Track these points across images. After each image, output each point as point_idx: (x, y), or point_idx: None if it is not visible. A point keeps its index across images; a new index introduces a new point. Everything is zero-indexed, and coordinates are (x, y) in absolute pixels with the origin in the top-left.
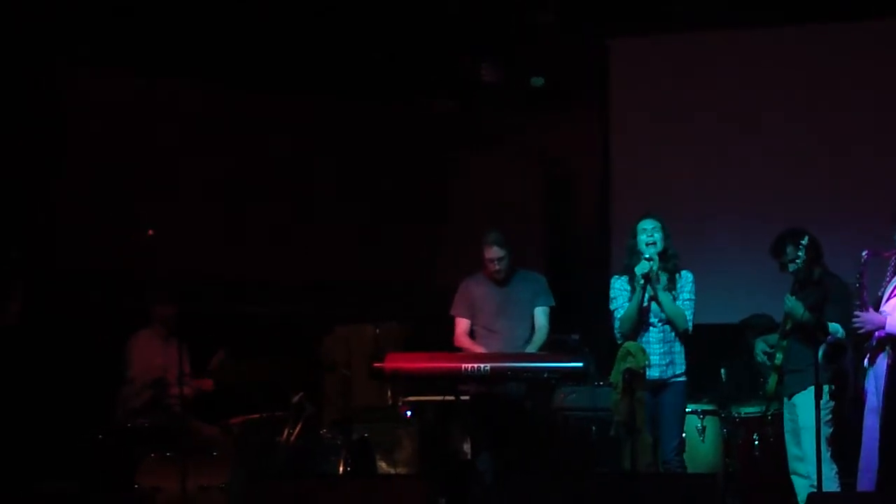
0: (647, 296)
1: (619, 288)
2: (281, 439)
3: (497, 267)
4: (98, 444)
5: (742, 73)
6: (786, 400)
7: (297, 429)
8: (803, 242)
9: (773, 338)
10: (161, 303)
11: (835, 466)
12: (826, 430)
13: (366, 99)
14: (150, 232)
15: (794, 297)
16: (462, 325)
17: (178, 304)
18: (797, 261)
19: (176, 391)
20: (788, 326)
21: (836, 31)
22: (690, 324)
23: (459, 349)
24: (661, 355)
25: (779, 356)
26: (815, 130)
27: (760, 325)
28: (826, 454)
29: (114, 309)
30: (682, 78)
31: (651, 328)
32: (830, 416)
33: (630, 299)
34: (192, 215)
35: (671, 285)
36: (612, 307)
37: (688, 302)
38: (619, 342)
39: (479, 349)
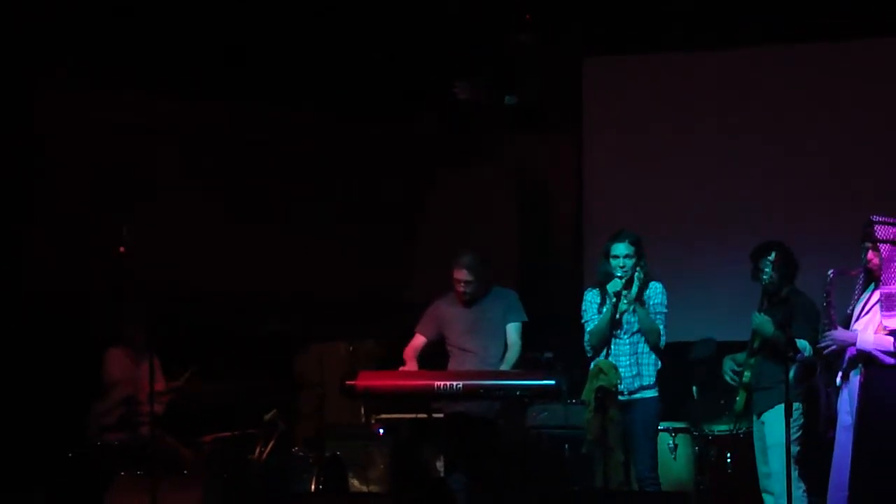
0: (618, 311)
1: (590, 301)
2: (253, 457)
3: (463, 289)
4: (68, 462)
5: (715, 92)
6: (755, 418)
7: (270, 446)
8: (769, 258)
9: (741, 356)
10: (134, 320)
11: (802, 485)
12: (794, 449)
13: (344, 116)
14: (122, 249)
15: (762, 314)
16: (416, 340)
17: (150, 321)
18: (764, 277)
19: (147, 409)
20: (756, 345)
21: (811, 51)
22: (663, 338)
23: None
24: (627, 367)
25: (747, 374)
26: (788, 149)
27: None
28: (794, 473)
29: (86, 327)
30: (656, 97)
31: (618, 340)
32: (799, 435)
33: (599, 311)
34: (166, 231)
35: (640, 298)
36: (583, 319)
37: (659, 315)
38: (589, 355)
39: (414, 366)
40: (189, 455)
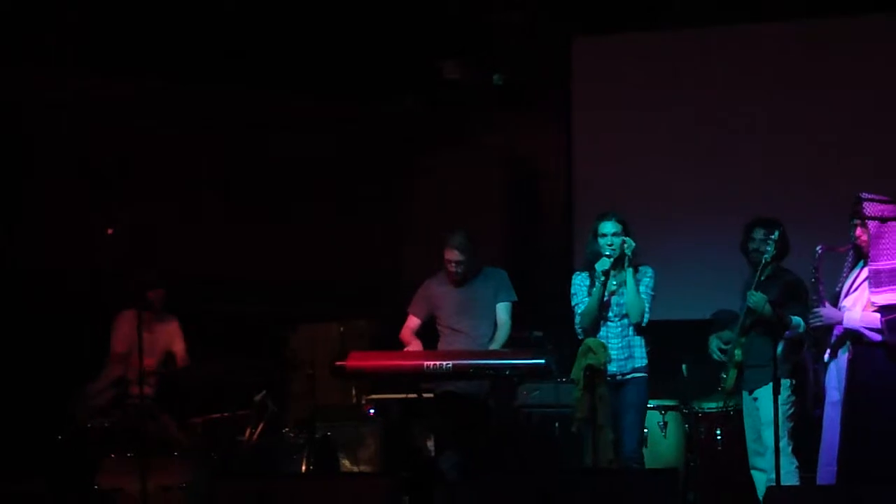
0: (607, 291)
1: (580, 283)
2: (243, 438)
3: (454, 269)
4: (59, 444)
5: (704, 71)
6: (747, 395)
7: (260, 428)
8: (773, 237)
9: (727, 334)
10: (148, 285)
11: (795, 461)
12: (787, 425)
13: (330, 97)
14: (109, 231)
15: (758, 293)
16: (411, 321)
17: (165, 287)
18: (766, 255)
19: (136, 390)
20: (748, 322)
21: (797, 29)
22: (647, 315)
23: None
24: (619, 350)
25: (738, 352)
26: (777, 128)
27: (726, 321)
28: (787, 448)
29: (76, 309)
30: (644, 76)
31: (609, 323)
32: (792, 411)
33: (589, 294)
34: (156, 214)
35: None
36: (573, 303)
37: (644, 296)
38: (581, 337)
39: (418, 345)
40: (180, 436)
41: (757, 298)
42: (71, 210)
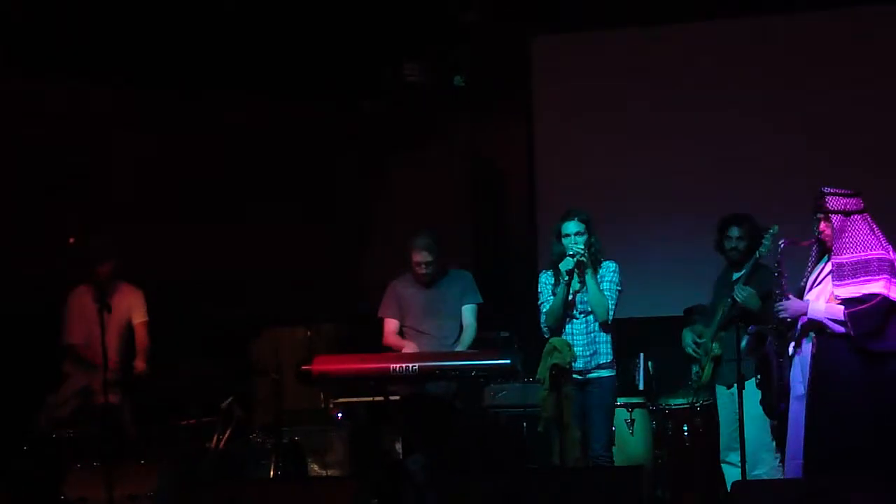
0: (571, 290)
1: (545, 282)
2: (211, 445)
3: (423, 271)
4: (23, 454)
5: (665, 68)
6: (723, 389)
7: (227, 434)
8: (773, 231)
9: (699, 328)
10: (100, 260)
11: (779, 455)
12: (769, 420)
13: (292, 98)
14: (71, 240)
15: (747, 287)
16: (390, 325)
17: (113, 257)
18: (762, 248)
19: (101, 400)
20: (729, 316)
21: (760, 25)
22: (611, 313)
23: (388, 349)
24: (584, 346)
25: (715, 346)
26: (739, 124)
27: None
28: (772, 444)
29: (35, 318)
30: (606, 74)
31: (574, 320)
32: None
33: (554, 292)
34: (117, 219)
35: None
36: (539, 302)
37: (610, 293)
38: (546, 336)
39: (412, 346)
40: (146, 443)
41: (747, 294)
42: (28, 219)
